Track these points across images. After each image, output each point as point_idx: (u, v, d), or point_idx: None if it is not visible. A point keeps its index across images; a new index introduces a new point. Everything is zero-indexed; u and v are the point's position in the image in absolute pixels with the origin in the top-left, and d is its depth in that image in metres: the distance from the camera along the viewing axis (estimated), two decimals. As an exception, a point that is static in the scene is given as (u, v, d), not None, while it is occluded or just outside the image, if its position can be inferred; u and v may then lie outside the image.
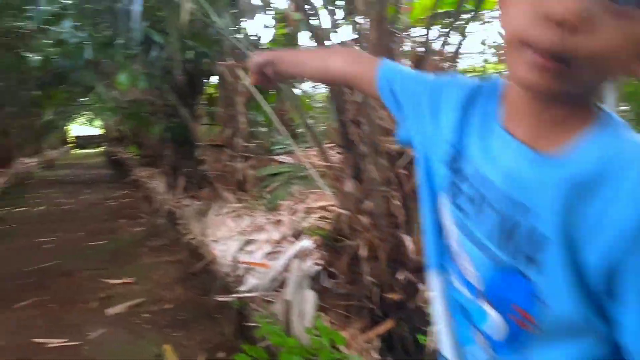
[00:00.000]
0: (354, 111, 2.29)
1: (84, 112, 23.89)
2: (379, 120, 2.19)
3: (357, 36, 2.87)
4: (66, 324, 3.18)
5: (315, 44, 2.57)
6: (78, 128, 30.14)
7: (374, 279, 2.29)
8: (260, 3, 4.83)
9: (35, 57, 4.44)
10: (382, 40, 2.26)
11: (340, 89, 2.36)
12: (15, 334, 3.06)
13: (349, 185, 2.34)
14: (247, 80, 4.49)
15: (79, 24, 4.36)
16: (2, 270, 4.37)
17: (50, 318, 3.29)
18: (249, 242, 3.53)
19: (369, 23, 2.27)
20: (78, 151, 29.78)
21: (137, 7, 3.14)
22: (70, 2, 4.84)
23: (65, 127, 27.68)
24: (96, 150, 29.49)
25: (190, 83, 5.97)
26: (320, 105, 6.37)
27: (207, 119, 6.71)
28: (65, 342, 2.87)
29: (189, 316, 3.12)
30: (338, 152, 2.52)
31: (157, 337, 2.88)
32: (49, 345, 2.83)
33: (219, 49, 4.91)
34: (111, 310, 3.29)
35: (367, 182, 2.29)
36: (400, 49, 2.42)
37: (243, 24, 5.19)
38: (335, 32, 3.52)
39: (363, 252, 2.29)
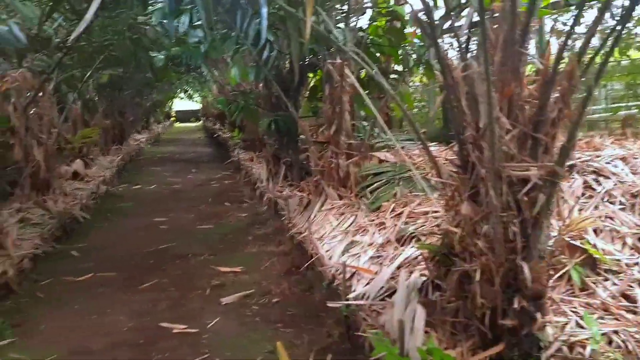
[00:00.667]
0: (475, 134, 2.27)
1: (186, 88, 25.43)
2: (502, 146, 2.16)
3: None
4: (186, 309, 3.48)
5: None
6: (179, 103, 31.89)
7: (486, 302, 2.29)
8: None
9: (159, 57, 4.78)
10: (509, 61, 2.21)
11: (461, 109, 2.34)
12: (142, 316, 3.41)
13: (465, 207, 2.33)
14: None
15: (198, 22, 4.62)
16: (128, 250, 4.84)
17: (172, 302, 3.62)
18: (352, 243, 3.62)
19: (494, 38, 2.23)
20: (178, 125, 31.71)
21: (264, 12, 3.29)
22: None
23: (169, 103, 29.58)
24: (195, 124, 31.28)
25: (300, 76, 6.14)
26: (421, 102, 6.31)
27: (304, 110, 6.89)
28: (186, 328, 3.16)
29: (297, 313, 3.29)
30: (453, 172, 2.51)
31: (268, 331, 3.08)
32: (174, 331, 3.13)
33: (326, 46, 5.00)
34: (225, 300, 3.55)
35: (485, 205, 2.27)
36: (524, 68, 2.33)
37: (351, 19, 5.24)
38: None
39: (476, 274, 2.29)
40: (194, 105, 31.66)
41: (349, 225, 4.00)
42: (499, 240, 2.25)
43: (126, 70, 8.70)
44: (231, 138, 12.10)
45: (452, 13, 3.40)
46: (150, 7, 5.54)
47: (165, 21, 5.18)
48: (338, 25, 4.78)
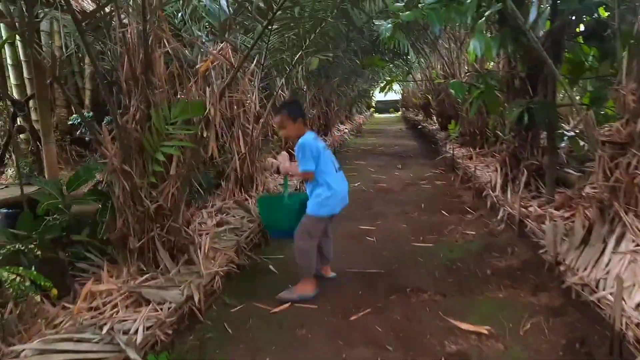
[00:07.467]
0: None
1: (388, 78, 24.64)
2: None
3: None
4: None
5: None
6: (377, 94, 31.45)
7: None
8: None
9: (387, 25, 3.69)
10: None
11: None
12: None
13: None
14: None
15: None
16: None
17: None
18: None
19: None
20: (378, 115, 31.38)
21: None
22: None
23: (371, 93, 29.28)
24: (394, 114, 30.61)
25: (552, 47, 4.51)
26: None
27: (562, 96, 5.17)
28: None
29: None
30: None
31: None
32: None
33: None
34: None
35: None
36: None
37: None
38: None
39: None
40: (393, 95, 30.98)
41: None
42: None
43: (335, 56, 7.93)
44: (444, 130, 10.70)
45: None
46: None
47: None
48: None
